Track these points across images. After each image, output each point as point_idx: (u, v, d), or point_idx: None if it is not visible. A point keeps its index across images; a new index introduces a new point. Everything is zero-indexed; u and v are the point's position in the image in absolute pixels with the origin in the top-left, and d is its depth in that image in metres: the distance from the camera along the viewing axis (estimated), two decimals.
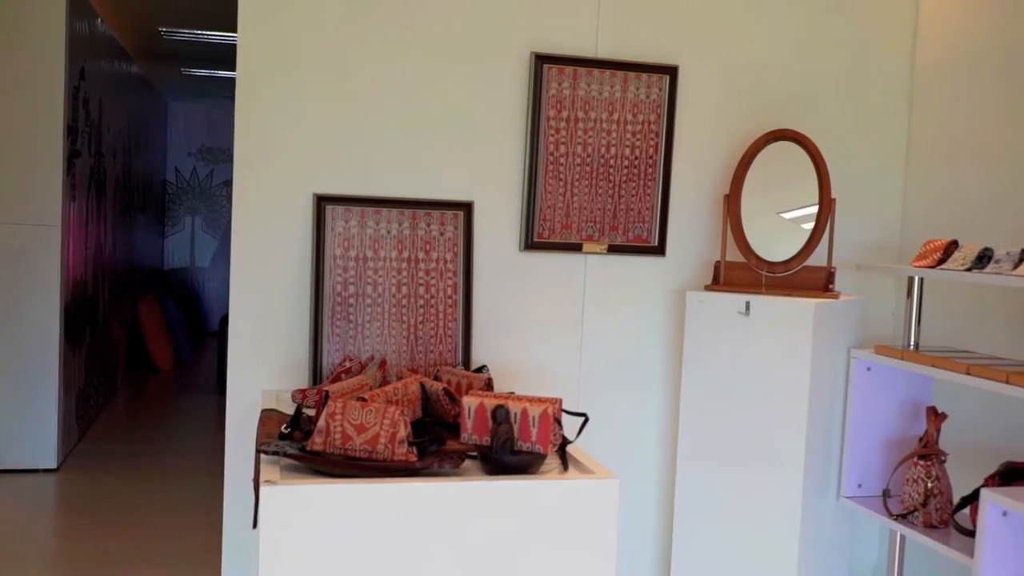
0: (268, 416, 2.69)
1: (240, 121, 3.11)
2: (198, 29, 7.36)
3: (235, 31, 3.11)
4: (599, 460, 2.42)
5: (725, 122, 3.49)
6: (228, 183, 11.26)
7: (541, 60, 3.25)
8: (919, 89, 3.63)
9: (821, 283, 3.23)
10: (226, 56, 7.62)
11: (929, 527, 2.82)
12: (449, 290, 3.19)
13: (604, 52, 3.35)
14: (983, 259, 2.70)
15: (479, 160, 3.28)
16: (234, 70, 3.13)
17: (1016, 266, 2.56)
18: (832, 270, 3.23)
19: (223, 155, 11.56)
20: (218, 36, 7.49)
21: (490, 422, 2.27)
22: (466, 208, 3.22)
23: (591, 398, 3.42)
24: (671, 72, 3.38)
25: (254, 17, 3.09)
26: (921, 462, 2.87)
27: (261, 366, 3.14)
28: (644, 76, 3.36)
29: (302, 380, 3.12)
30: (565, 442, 2.40)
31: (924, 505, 2.83)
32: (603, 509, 2.24)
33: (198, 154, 11.66)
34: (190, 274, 11.57)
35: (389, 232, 3.14)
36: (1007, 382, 2.51)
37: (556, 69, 3.27)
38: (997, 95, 3.24)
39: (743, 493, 3.14)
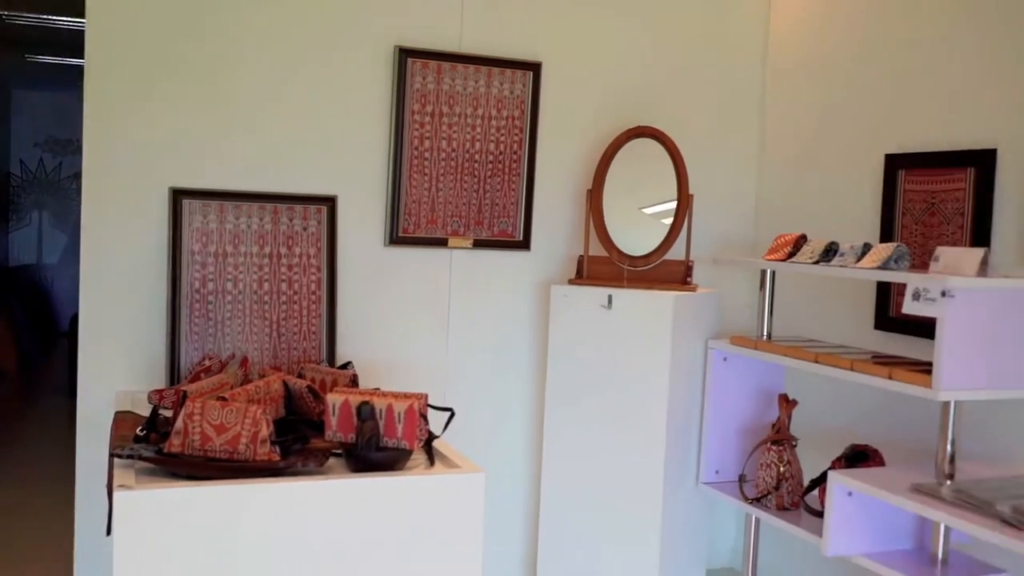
0: (122, 418, 2.59)
1: (89, 111, 2.97)
2: (43, 14, 7.00)
3: (83, 16, 2.97)
4: (466, 454, 2.43)
5: (588, 119, 3.55)
6: (78, 176, 10.76)
7: (405, 54, 3.23)
8: (771, 90, 3.78)
9: (680, 276, 3.33)
10: (75, 43, 7.29)
11: (781, 509, 2.94)
12: (313, 286, 3.13)
13: (468, 47, 3.35)
14: (830, 252, 2.83)
15: (343, 154, 3.24)
16: (83, 57, 2.99)
17: (859, 259, 2.70)
18: (690, 264, 3.33)
19: (72, 146, 11.03)
20: (65, 21, 7.14)
21: (355, 419, 2.25)
22: (329, 202, 3.17)
23: (458, 393, 3.43)
24: (534, 68, 3.41)
25: (103, 1, 2.96)
26: (774, 447, 2.99)
27: (115, 367, 3.02)
28: (508, 72, 3.39)
29: (159, 380, 3.01)
30: (431, 437, 2.39)
31: (777, 488, 2.95)
32: (469, 503, 2.25)
33: (45, 145, 11.09)
34: (37, 271, 11.00)
35: (250, 227, 3.06)
36: (852, 369, 2.64)
37: (420, 63, 3.26)
38: (843, 99, 3.40)
39: (607, 481, 3.21)
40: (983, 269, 2.43)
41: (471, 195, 3.37)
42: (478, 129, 3.37)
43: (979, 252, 2.43)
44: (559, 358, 3.28)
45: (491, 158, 3.39)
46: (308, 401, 2.58)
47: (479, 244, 3.40)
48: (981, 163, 2.79)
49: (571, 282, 3.32)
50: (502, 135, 3.40)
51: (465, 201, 3.36)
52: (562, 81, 3.50)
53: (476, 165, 3.37)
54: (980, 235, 2.78)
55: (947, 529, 2.55)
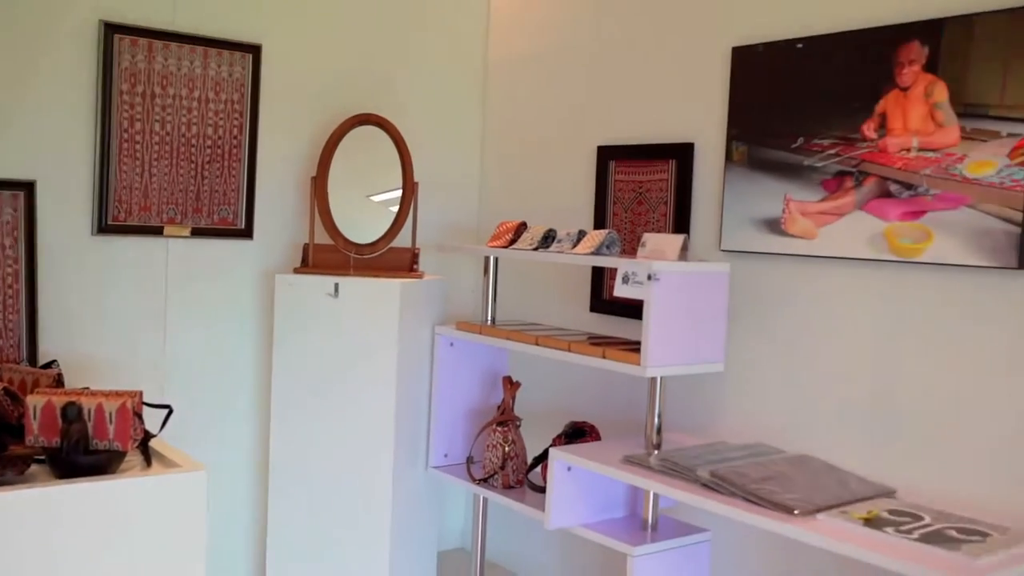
0: None
1: None
2: None
3: None
4: (190, 451, 2.32)
5: (312, 104, 3.48)
6: None
7: (111, 29, 3.02)
8: (492, 81, 3.88)
9: (406, 264, 3.35)
10: None
11: (507, 488, 3.05)
12: (9, 279, 2.87)
13: (183, 25, 3.19)
14: (548, 239, 2.95)
15: (42, 135, 2.98)
16: None
17: (575, 245, 2.84)
18: (416, 251, 3.36)
19: None
20: None
21: (60, 421, 2.09)
22: (26, 188, 2.91)
23: (179, 388, 3.26)
24: (254, 51, 3.31)
25: None
26: (499, 428, 3.09)
27: None
28: (226, 53, 3.26)
29: None
30: (148, 436, 2.27)
31: (503, 468, 3.05)
32: (190, 502, 2.15)
33: None
34: None
35: None
36: (569, 350, 2.77)
37: (129, 40, 3.06)
38: (558, 92, 3.56)
39: (337, 470, 3.18)
40: (684, 254, 2.63)
41: (188, 181, 3.21)
42: (195, 112, 3.21)
43: (680, 238, 2.63)
44: (285, 348, 3.21)
45: (210, 143, 3.25)
46: (5, 404, 2.36)
47: (198, 232, 3.25)
48: (681, 155, 3.02)
49: (296, 271, 3.26)
50: (221, 119, 3.27)
51: (182, 188, 3.20)
52: (284, 65, 3.41)
53: (194, 150, 3.22)
54: (681, 222, 3.01)
55: (656, 496, 2.74)
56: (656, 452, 2.62)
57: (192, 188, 3.22)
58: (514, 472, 3.06)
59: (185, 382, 3.29)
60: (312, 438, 3.20)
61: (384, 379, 3.14)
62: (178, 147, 3.19)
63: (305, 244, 3.32)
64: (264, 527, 3.39)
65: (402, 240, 3.40)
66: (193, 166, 3.22)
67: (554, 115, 3.57)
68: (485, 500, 3.33)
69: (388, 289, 3.14)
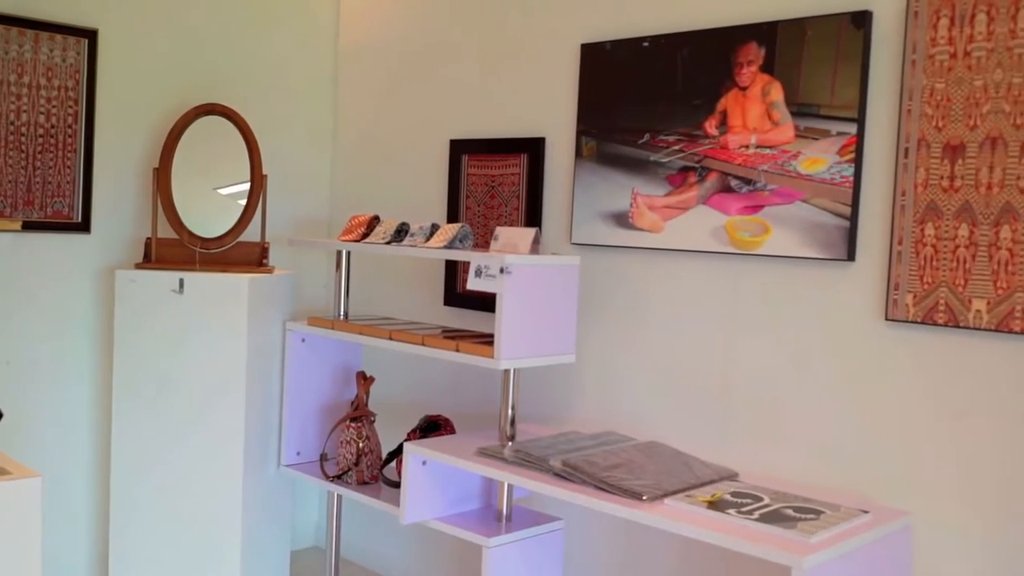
0: None
1: None
2: None
3: None
4: (23, 459, 2.19)
5: (154, 93, 3.35)
6: None
7: None
8: (343, 72, 3.83)
9: (255, 258, 3.27)
10: None
11: (362, 484, 3.02)
12: None
13: (9, 7, 3.01)
14: (401, 233, 2.93)
15: None
16: None
17: (428, 239, 2.83)
18: (266, 245, 3.29)
19: None
20: None
21: None
22: None
23: (11, 393, 3.08)
24: (90, 36, 3.15)
25: None
26: (353, 424, 3.05)
27: None
28: (59, 38, 3.09)
29: None
30: None
31: (357, 464, 3.02)
32: (24, 511, 2.04)
33: None
34: None
35: None
36: (423, 344, 2.76)
37: None
38: (411, 85, 3.54)
39: (184, 473, 3.08)
40: (535, 247, 2.66)
41: (18, 172, 3.04)
42: (24, 99, 3.04)
43: (532, 231, 2.66)
44: (127, 347, 3.08)
45: (42, 131, 3.08)
46: None
47: (30, 226, 3.08)
48: (533, 150, 3.05)
49: (138, 266, 3.13)
50: (54, 107, 3.10)
51: (11, 179, 3.03)
52: (123, 51, 3.27)
53: (24, 139, 3.05)
54: (533, 215, 3.05)
55: (510, 487, 2.77)
56: (510, 444, 2.65)
57: (23, 179, 3.05)
58: (369, 468, 3.03)
59: (18, 386, 3.11)
60: (157, 441, 3.08)
61: (233, 377, 3.06)
62: (6, 135, 3.01)
63: (147, 238, 3.19)
64: (106, 535, 3.25)
65: (251, 234, 3.31)
66: (24, 156, 3.05)
67: (407, 108, 3.55)
68: (339, 497, 3.28)
69: (236, 285, 3.05)
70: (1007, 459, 2.12)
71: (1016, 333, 2.08)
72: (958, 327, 2.16)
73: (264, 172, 3.32)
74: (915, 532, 2.26)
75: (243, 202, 3.29)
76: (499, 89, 3.21)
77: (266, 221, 3.33)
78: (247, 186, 3.30)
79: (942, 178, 2.18)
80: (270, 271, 3.24)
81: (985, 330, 2.12)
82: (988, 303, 2.12)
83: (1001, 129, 2.10)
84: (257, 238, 3.30)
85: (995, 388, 2.14)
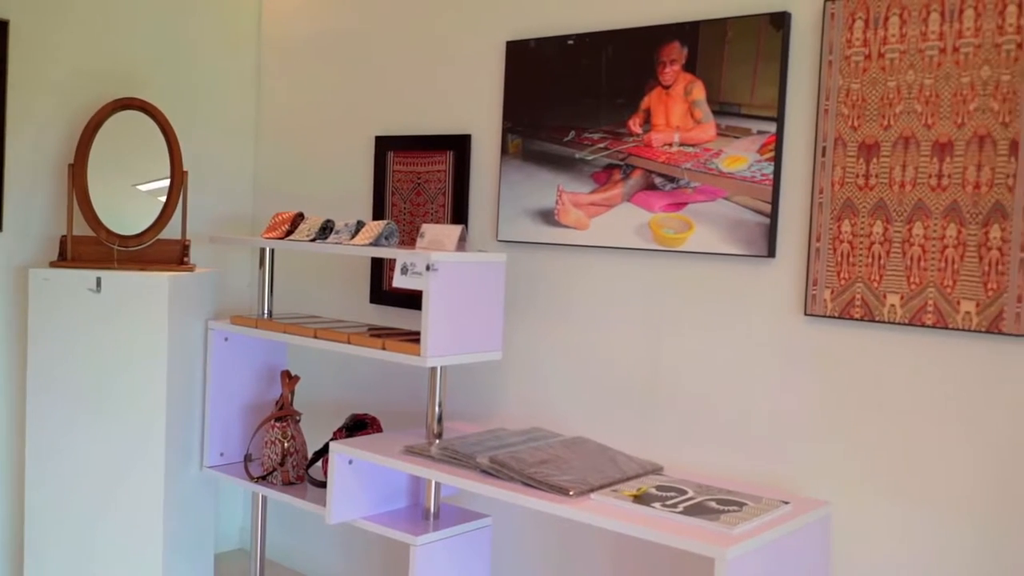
0: None
1: None
2: None
3: None
4: None
5: (68, 86, 3.25)
6: None
7: None
8: (266, 66, 3.77)
9: (176, 256, 3.20)
10: None
11: (288, 484, 2.98)
12: None
13: None
14: (326, 230, 2.90)
15: None
16: None
17: (353, 236, 2.81)
18: (186, 243, 3.22)
19: None
20: None
21: None
22: None
23: None
24: (1, 26, 3.05)
25: None
26: (278, 424, 3.01)
27: None
28: None
29: None
30: None
31: (282, 464, 2.98)
32: None
33: None
34: None
35: None
36: (349, 342, 2.74)
37: None
38: (335, 80, 3.50)
39: (104, 474, 3.00)
40: (462, 244, 2.66)
41: None
42: None
43: (458, 228, 2.65)
44: (42, 348, 2.99)
45: None
46: None
47: None
48: (459, 147, 3.05)
49: (53, 264, 3.04)
50: None
51: None
52: (36, 43, 3.17)
53: None
54: (459, 212, 3.04)
55: (437, 484, 2.76)
56: (437, 441, 2.64)
57: None
58: (294, 468, 3.00)
59: None
60: (74, 443, 3.00)
61: (153, 377, 2.99)
62: None
63: (63, 236, 3.10)
64: (21, 538, 3.15)
65: (171, 232, 3.24)
66: None
67: (332, 103, 3.51)
68: (264, 498, 3.24)
69: (156, 283, 2.99)
70: (921, 449, 2.19)
71: (927, 326, 2.15)
72: (873, 321, 2.22)
73: (184, 168, 3.26)
74: (834, 521, 2.31)
75: (163, 199, 3.22)
76: (425, 85, 3.19)
77: (187, 218, 3.27)
78: (167, 182, 3.23)
79: (858, 176, 2.24)
80: (191, 269, 3.17)
81: (899, 324, 2.19)
82: (901, 298, 2.18)
83: (913, 129, 2.16)
84: (178, 235, 3.24)
85: (908, 380, 2.20)
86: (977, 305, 2.08)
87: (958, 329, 2.10)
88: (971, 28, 2.09)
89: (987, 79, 2.07)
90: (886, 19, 2.20)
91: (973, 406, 2.12)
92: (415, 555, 2.58)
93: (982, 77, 2.07)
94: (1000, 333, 2.05)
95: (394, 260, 2.67)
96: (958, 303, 2.10)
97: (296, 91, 3.65)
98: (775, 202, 2.37)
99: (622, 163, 2.64)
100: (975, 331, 2.08)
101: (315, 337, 2.82)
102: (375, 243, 2.73)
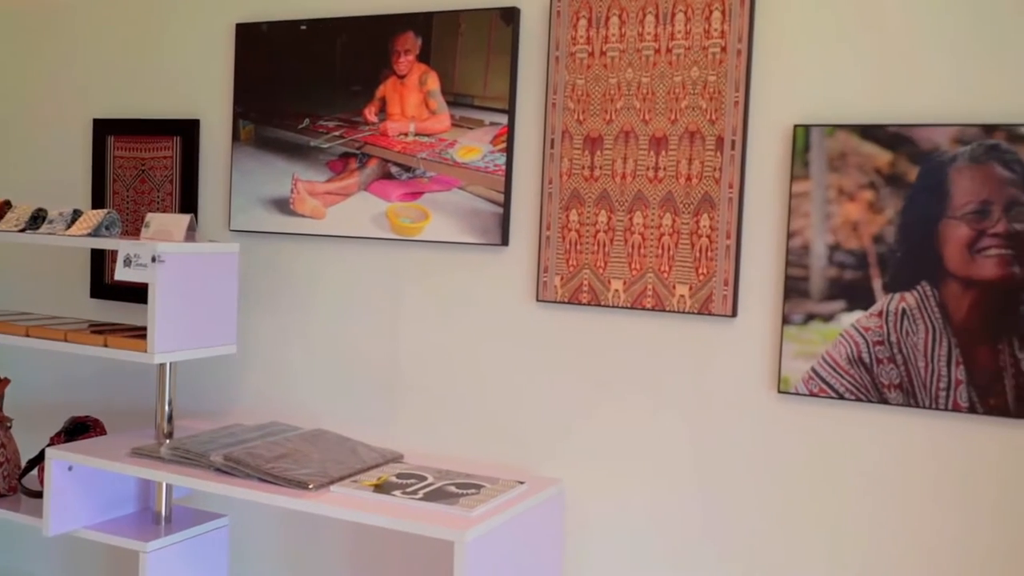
0: None
1: None
2: None
3: None
4: None
5: None
6: None
7: None
8: None
9: None
10: None
11: None
12: None
13: None
14: (38, 220, 2.68)
15: None
16: None
17: (69, 226, 2.61)
18: None
19: None
20: None
21: None
22: None
23: None
24: None
25: None
26: None
27: None
28: None
29: None
30: None
31: None
32: None
33: None
34: None
35: None
36: (66, 340, 2.55)
37: None
38: (47, 58, 3.23)
39: None
40: (191, 234, 2.54)
41: None
42: None
43: (186, 218, 2.54)
44: None
45: None
46: None
47: None
48: (186, 132, 2.90)
49: None
50: None
51: None
52: None
53: None
54: (187, 201, 2.90)
55: (168, 487, 2.63)
56: (167, 441, 2.51)
57: None
58: (5, 479, 2.75)
59: None
60: None
61: None
62: None
63: None
64: None
65: None
66: None
67: (43, 82, 3.24)
68: None
69: None
70: (644, 424, 2.33)
71: (648, 309, 2.29)
72: (600, 306, 2.34)
73: None
74: (567, 498, 2.42)
75: None
76: (149, 67, 3.02)
77: None
78: None
79: (584, 168, 2.35)
80: None
81: (623, 308, 2.32)
82: (624, 283, 2.31)
83: (633, 124, 2.29)
84: None
85: (632, 360, 2.34)
86: (690, 289, 2.24)
87: (674, 311, 2.26)
88: (682, 31, 2.24)
89: (696, 79, 2.23)
90: (607, 19, 2.32)
91: (688, 382, 2.29)
92: (145, 562, 2.45)
93: (692, 77, 2.23)
94: (710, 314, 2.22)
95: (116, 251, 2.51)
96: (674, 287, 2.26)
97: (2, 68, 3.34)
98: (508, 192, 2.44)
99: (358, 152, 2.63)
100: (689, 313, 2.24)
101: (27, 335, 2.60)
102: (94, 233, 2.55)
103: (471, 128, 2.47)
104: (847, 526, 2.14)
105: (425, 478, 2.29)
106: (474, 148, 2.47)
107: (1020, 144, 1.94)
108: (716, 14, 2.20)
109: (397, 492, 2.17)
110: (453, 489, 2.21)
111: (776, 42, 2.18)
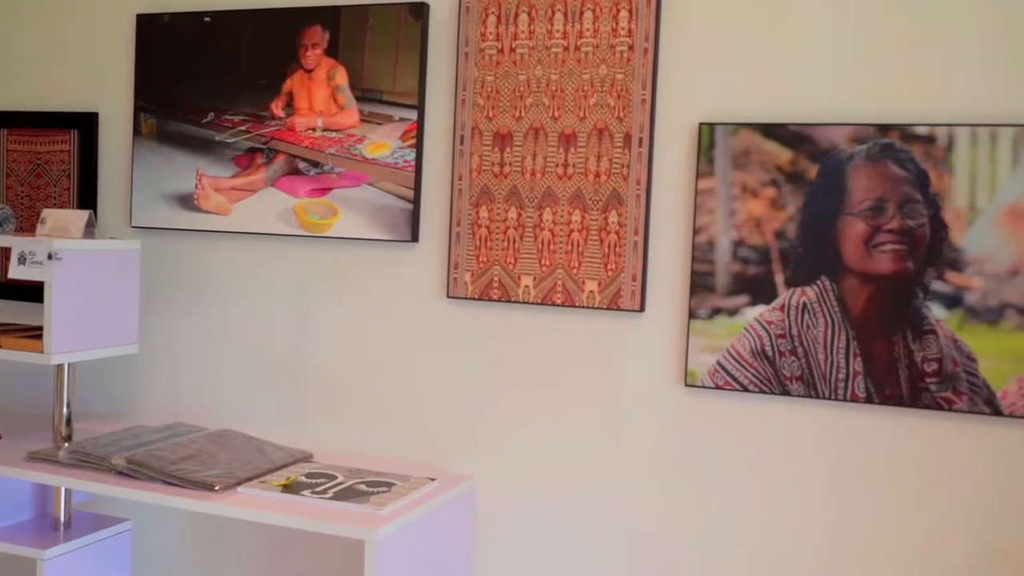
0: None
1: None
2: None
3: None
4: None
5: None
6: None
7: None
8: None
9: None
10: None
11: None
12: None
13: None
14: None
15: None
16: None
17: None
18: None
19: None
20: None
21: None
22: None
23: None
24: None
25: None
26: None
27: None
28: None
29: None
30: None
31: None
32: None
33: None
34: None
35: None
36: None
37: None
38: None
39: None
40: (89, 231, 2.46)
41: None
42: None
43: (84, 214, 2.46)
44: None
45: None
46: None
47: None
48: (84, 125, 2.81)
49: None
50: None
51: None
52: None
53: None
54: (86, 197, 2.81)
55: (68, 491, 2.55)
56: (66, 444, 2.44)
57: None
58: None
59: None
60: None
61: None
62: None
63: None
64: None
65: None
66: None
67: None
68: None
69: None
70: (555, 417, 2.35)
71: (557, 305, 2.30)
72: (510, 302, 2.35)
73: None
74: (478, 494, 2.42)
75: None
76: (44, 57, 2.91)
77: None
78: None
79: (493, 164, 2.35)
80: None
81: (533, 304, 2.33)
82: (535, 279, 2.32)
83: (542, 121, 2.31)
84: None
85: (542, 355, 2.35)
86: (599, 284, 2.26)
87: (584, 307, 2.28)
88: (590, 29, 2.26)
89: (604, 77, 2.25)
90: (516, 16, 2.32)
91: (597, 376, 2.31)
92: (43, 570, 2.36)
93: (600, 75, 2.25)
94: (619, 309, 2.24)
95: (10, 249, 2.42)
96: (583, 283, 2.28)
97: None
98: (417, 188, 2.43)
99: (265, 147, 2.58)
100: (598, 308, 2.27)
101: None
102: None
103: (380, 124, 2.45)
104: (753, 516, 2.19)
105: (335, 477, 2.27)
106: (383, 144, 2.45)
107: (914, 143, 2.01)
108: (623, 13, 2.23)
109: (306, 492, 2.14)
110: (363, 488, 2.19)
111: (682, 42, 2.22)
